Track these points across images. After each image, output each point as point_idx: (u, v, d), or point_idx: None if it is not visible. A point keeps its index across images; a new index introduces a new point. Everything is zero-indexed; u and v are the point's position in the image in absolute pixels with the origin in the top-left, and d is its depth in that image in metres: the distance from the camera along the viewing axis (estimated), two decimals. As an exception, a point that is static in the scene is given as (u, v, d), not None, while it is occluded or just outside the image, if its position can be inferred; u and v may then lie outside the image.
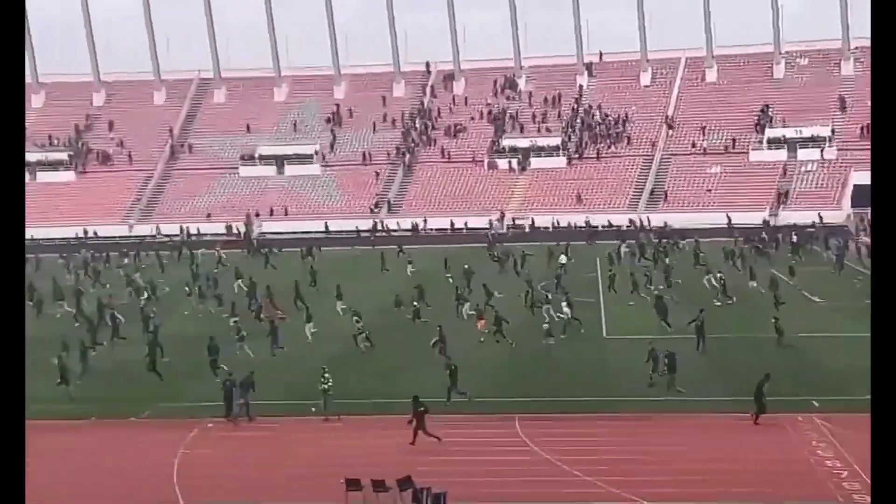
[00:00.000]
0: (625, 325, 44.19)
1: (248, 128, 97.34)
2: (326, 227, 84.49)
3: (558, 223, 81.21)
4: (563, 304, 44.21)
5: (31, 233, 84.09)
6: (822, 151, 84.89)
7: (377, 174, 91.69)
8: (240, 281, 56.71)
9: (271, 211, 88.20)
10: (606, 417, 30.54)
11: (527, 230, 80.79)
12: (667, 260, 60.96)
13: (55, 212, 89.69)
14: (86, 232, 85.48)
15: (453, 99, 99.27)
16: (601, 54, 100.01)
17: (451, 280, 55.70)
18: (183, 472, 26.80)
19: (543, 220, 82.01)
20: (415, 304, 47.57)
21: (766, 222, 77.54)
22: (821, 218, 76.01)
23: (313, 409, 31.95)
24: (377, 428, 30.51)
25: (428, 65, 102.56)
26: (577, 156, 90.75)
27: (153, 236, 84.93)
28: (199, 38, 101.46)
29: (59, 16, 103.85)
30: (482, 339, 41.62)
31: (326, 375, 32.28)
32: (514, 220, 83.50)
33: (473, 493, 24.00)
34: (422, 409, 28.54)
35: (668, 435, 28.77)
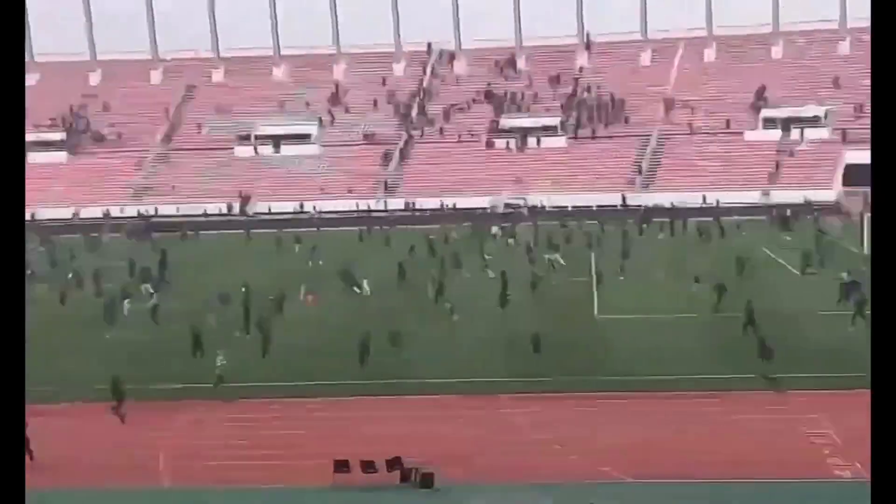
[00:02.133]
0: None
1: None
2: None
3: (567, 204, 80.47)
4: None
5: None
6: (816, 131, 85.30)
7: (377, 155, 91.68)
8: None
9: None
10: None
11: (525, 212, 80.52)
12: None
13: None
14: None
15: (444, 79, 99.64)
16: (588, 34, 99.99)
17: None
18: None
19: (544, 201, 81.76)
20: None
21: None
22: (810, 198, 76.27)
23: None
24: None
25: (429, 45, 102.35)
26: (575, 136, 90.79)
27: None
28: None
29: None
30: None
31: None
32: (510, 200, 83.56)
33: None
34: None
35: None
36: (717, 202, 77.03)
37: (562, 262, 53.32)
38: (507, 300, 43.42)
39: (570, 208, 78.80)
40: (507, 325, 40.04)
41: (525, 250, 58.11)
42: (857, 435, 24.82)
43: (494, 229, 69.87)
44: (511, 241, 65.43)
